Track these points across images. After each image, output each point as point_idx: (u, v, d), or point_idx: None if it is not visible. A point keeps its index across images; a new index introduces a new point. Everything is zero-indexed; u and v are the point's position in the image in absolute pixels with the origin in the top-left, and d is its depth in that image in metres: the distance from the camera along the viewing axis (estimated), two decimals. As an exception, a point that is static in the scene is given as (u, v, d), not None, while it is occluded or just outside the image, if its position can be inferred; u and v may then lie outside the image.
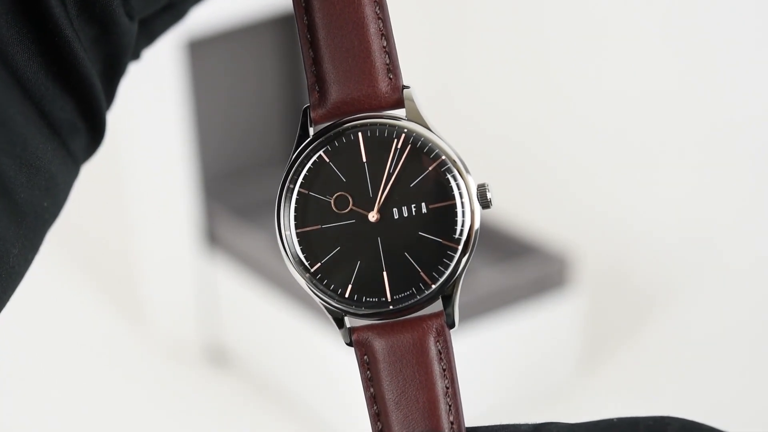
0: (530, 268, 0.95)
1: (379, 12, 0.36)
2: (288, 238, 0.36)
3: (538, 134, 1.15)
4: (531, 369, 0.98)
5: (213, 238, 1.03)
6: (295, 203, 0.36)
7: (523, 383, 0.98)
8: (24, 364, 1.05)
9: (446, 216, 0.36)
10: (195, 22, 1.00)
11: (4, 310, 0.36)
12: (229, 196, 1.09)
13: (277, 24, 1.11)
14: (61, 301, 1.11)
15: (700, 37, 1.02)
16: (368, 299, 0.35)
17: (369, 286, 0.35)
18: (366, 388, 0.36)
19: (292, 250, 0.36)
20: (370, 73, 0.36)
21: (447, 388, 0.35)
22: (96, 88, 0.36)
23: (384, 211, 0.36)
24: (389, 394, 0.36)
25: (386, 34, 0.36)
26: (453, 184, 0.36)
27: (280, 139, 1.16)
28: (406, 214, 0.36)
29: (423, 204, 0.36)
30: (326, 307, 0.36)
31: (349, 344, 0.36)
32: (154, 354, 1.05)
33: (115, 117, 1.12)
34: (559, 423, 0.35)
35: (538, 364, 0.98)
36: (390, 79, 0.36)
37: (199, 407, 1.01)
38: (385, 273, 0.35)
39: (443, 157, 0.37)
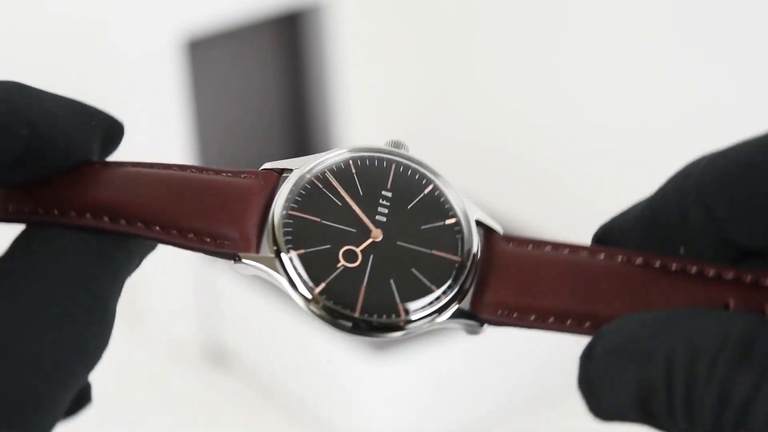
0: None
1: None
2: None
3: (538, 134, 1.15)
4: (531, 370, 0.98)
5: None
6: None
7: (522, 384, 0.98)
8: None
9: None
10: (195, 22, 1.00)
11: None
12: (229, 196, 1.09)
13: (277, 24, 1.11)
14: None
15: (704, 38, 1.02)
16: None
17: None
18: None
19: None
20: None
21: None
22: None
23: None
24: None
25: None
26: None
27: (280, 139, 1.16)
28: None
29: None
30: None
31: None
32: (154, 354, 1.05)
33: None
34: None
35: (537, 366, 0.98)
36: None
37: (199, 408, 1.01)
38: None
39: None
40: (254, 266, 0.35)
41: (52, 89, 0.37)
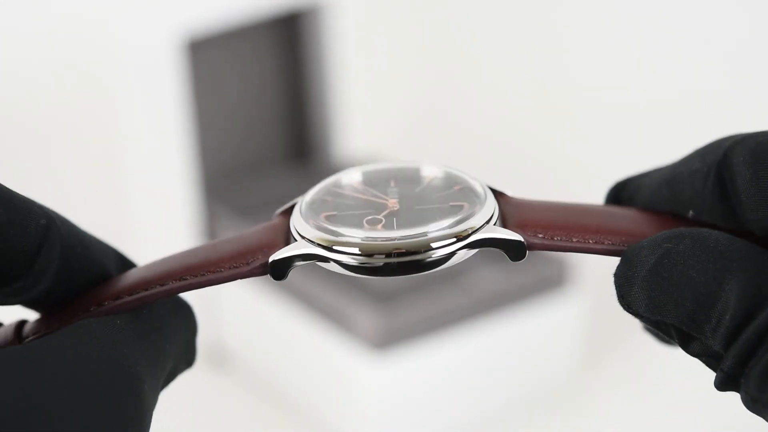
0: (530, 269, 0.95)
1: None
2: None
3: (537, 133, 1.15)
4: (531, 370, 0.98)
5: (213, 238, 1.03)
6: None
7: (523, 384, 0.98)
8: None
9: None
10: (195, 22, 1.00)
11: None
12: (229, 196, 1.09)
13: (277, 24, 1.11)
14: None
15: (705, 34, 1.02)
16: None
17: None
18: None
19: None
20: None
21: None
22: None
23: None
24: None
25: None
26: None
27: (280, 139, 1.16)
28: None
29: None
30: None
31: None
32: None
33: (114, 117, 1.12)
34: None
35: (538, 365, 0.98)
36: None
37: (199, 408, 1.01)
38: None
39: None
40: (289, 250, 0.35)
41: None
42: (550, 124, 1.14)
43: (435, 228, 0.35)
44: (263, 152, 1.15)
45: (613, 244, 0.35)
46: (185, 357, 0.38)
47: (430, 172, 0.38)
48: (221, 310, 1.04)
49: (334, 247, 0.35)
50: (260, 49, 1.12)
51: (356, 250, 0.35)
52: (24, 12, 1.06)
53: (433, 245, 0.35)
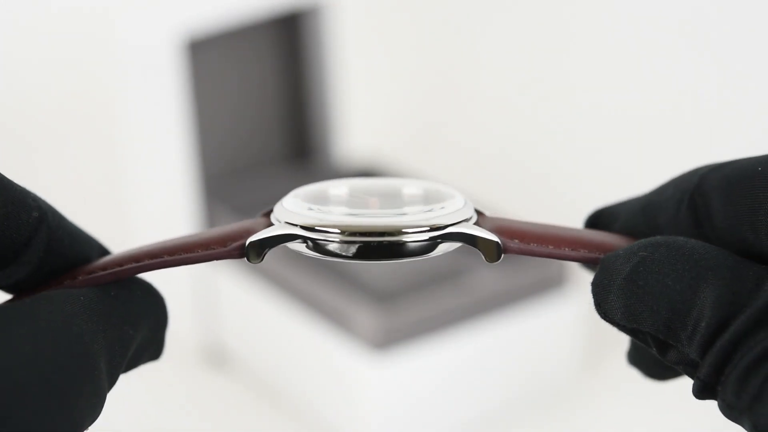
0: (530, 269, 0.95)
1: None
2: None
3: (537, 133, 1.15)
4: (531, 370, 0.98)
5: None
6: None
7: (523, 384, 0.98)
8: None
9: None
10: (195, 22, 1.00)
11: None
12: (229, 196, 1.09)
13: (277, 24, 1.11)
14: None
15: (704, 41, 1.02)
16: None
17: None
18: None
19: None
20: None
21: None
22: None
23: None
24: None
25: None
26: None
27: (280, 139, 1.16)
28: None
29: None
30: None
31: None
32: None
33: (114, 117, 1.12)
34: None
35: (538, 365, 0.98)
36: None
37: (198, 408, 1.01)
38: None
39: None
40: (268, 231, 0.36)
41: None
42: (550, 124, 1.14)
43: (412, 213, 0.36)
44: (263, 152, 1.15)
45: (589, 252, 0.36)
46: (150, 348, 0.38)
47: (412, 190, 0.38)
48: (221, 310, 1.04)
49: (317, 227, 0.36)
50: (260, 49, 1.12)
51: (336, 230, 0.35)
52: (24, 11, 1.06)
53: (408, 230, 0.35)
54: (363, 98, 1.21)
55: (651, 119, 1.06)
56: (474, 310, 0.93)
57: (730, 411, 0.31)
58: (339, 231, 0.35)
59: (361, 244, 0.35)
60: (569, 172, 1.13)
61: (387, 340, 0.90)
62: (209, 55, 1.08)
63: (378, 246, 0.35)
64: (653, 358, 0.35)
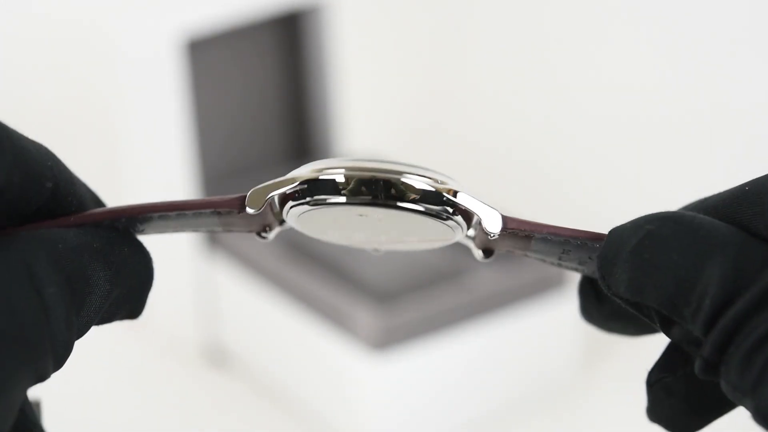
0: (531, 269, 0.95)
1: None
2: None
3: (537, 133, 1.15)
4: (531, 370, 0.98)
5: (213, 238, 1.03)
6: None
7: (523, 384, 0.98)
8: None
9: None
10: (195, 22, 1.00)
11: None
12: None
13: (277, 24, 1.11)
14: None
15: (702, 40, 1.02)
16: None
17: None
18: None
19: None
20: None
21: None
22: None
23: None
24: None
25: None
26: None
27: (280, 139, 1.16)
28: None
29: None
30: None
31: None
32: (153, 354, 1.05)
33: (114, 117, 1.12)
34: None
35: (538, 365, 0.98)
36: None
37: (198, 408, 1.01)
38: None
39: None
40: (269, 181, 0.36)
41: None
42: (551, 125, 1.14)
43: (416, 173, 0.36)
44: (263, 152, 1.15)
45: (589, 234, 0.36)
46: (127, 306, 0.37)
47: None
48: (221, 310, 1.04)
49: (320, 177, 0.35)
50: (260, 49, 1.12)
51: (341, 172, 0.35)
52: (23, 11, 1.06)
53: (414, 173, 0.35)
54: (363, 98, 1.21)
55: (653, 117, 1.06)
56: (474, 309, 0.93)
57: (733, 391, 0.31)
58: (344, 168, 0.35)
59: (367, 180, 0.34)
60: (570, 172, 1.13)
61: (387, 339, 0.90)
62: (209, 55, 1.08)
63: (384, 184, 0.35)
64: (675, 408, 0.34)
